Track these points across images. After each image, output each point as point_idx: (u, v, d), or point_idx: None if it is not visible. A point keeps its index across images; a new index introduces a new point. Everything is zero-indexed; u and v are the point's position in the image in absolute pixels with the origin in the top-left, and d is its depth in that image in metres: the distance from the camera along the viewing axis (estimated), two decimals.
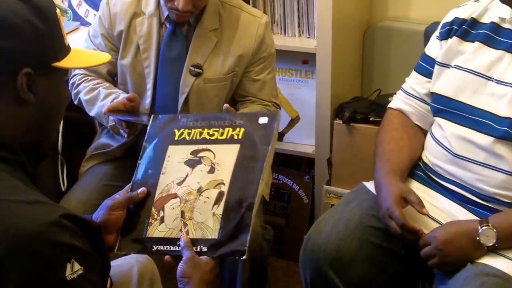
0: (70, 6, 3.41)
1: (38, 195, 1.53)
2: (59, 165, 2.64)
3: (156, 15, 2.58)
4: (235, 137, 1.92)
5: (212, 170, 1.88)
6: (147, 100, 2.62)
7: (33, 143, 1.65)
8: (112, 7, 2.62)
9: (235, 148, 1.89)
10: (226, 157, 1.89)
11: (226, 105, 2.18)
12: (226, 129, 1.94)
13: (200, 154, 1.92)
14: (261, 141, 1.88)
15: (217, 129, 1.95)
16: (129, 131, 2.44)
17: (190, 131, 1.98)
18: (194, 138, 1.96)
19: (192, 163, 1.92)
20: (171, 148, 1.97)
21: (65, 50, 1.68)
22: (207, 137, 1.94)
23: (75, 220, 1.51)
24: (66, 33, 1.72)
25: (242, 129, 1.92)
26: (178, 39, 2.58)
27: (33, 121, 1.62)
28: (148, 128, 2.05)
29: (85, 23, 3.36)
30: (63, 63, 1.66)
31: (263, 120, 1.92)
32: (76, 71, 2.68)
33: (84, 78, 2.66)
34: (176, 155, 1.95)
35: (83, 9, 3.36)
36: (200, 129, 1.97)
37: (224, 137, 1.93)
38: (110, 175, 2.64)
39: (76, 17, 3.39)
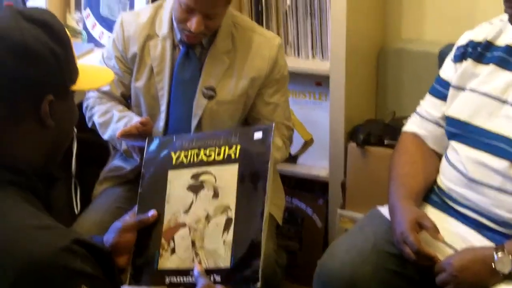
0: (85, 27, 3.41)
1: (49, 220, 1.53)
2: (72, 188, 2.63)
3: (170, 37, 2.58)
4: (232, 156, 1.89)
5: (216, 195, 1.86)
6: (161, 122, 2.61)
7: (45, 166, 1.66)
8: (126, 30, 2.62)
9: (234, 168, 1.87)
10: (227, 179, 1.86)
11: None
12: (223, 148, 1.90)
13: (201, 178, 1.90)
14: (258, 158, 1.85)
15: (213, 148, 1.92)
16: (141, 155, 2.43)
17: (186, 153, 1.95)
18: (192, 161, 1.93)
19: (194, 189, 1.90)
20: (171, 173, 1.94)
21: (77, 71, 1.69)
22: (205, 158, 1.92)
23: (86, 246, 1.51)
24: (80, 54, 1.73)
25: (238, 146, 1.89)
26: (191, 61, 2.58)
27: (49, 144, 1.65)
28: (145, 153, 2.03)
29: (99, 45, 3.36)
30: (78, 86, 1.67)
31: (258, 135, 1.89)
32: (90, 94, 2.68)
33: (98, 101, 2.66)
34: (177, 180, 1.93)
35: (97, 31, 3.37)
36: (197, 150, 1.94)
37: (221, 157, 1.90)
38: (123, 198, 2.63)
39: (91, 38, 3.39)
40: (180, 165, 1.94)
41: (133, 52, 2.61)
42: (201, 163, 1.91)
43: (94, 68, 1.90)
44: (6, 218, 1.48)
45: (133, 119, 2.50)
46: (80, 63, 1.72)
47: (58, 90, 1.61)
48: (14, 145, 1.58)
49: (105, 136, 2.61)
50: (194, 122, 2.59)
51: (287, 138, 2.73)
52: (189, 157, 1.94)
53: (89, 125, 2.68)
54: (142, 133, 2.37)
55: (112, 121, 2.57)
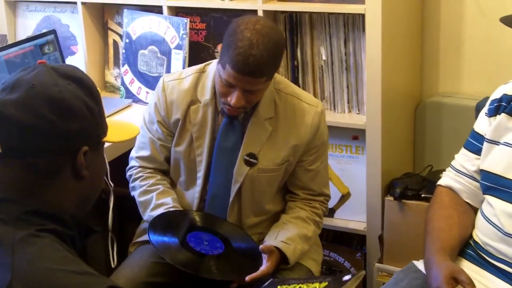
0: (123, 83, 3.47)
1: (86, 267, 1.57)
2: (109, 242, 2.65)
3: (212, 104, 2.58)
4: (317, 287, 2.10)
5: None
6: (198, 188, 2.63)
7: (80, 214, 1.72)
8: (168, 95, 2.62)
9: None
10: None
11: (262, 246, 2.47)
12: (316, 284, 2.11)
13: None
14: None
15: (309, 284, 2.13)
16: None
17: (287, 286, 2.19)
18: None
19: None
20: None
21: (107, 125, 1.75)
22: None
23: None
24: (119, 109, 1.79)
25: (325, 283, 2.09)
26: (234, 129, 2.58)
27: (85, 194, 1.71)
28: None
29: (137, 100, 3.41)
30: (108, 138, 1.74)
31: (346, 277, 2.07)
32: (133, 163, 2.72)
33: (141, 174, 2.69)
34: None
35: (135, 87, 3.42)
36: (296, 285, 2.16)
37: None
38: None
39: (129, 94, 3.45)
40: None
41: (175, 118, 2.61)
42: None
43: (121, 123, 1.96)
44: (48, 263, 1.52)
45: (170, 209, 2.58)
46: (109, 118, 1.78)
47: (92, 142, 1.67)
48: (54, 195, 1.64)
49: (143, 216, 2.67)
50: (234, 189, 2.60)
51: (322, 215, 2.74)
52: None
53: (132, 193, 2.72)
54: None
55: (150, 206, 2.62)
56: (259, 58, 2.33)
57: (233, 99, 2.41)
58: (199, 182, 2.63)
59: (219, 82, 2.44)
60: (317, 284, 2.10)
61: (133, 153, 2.75)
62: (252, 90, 2.43)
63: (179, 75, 2.66)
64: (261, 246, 2.50)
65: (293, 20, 3.13)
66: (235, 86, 2.40)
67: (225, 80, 2.40)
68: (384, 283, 2.92)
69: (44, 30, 3.39)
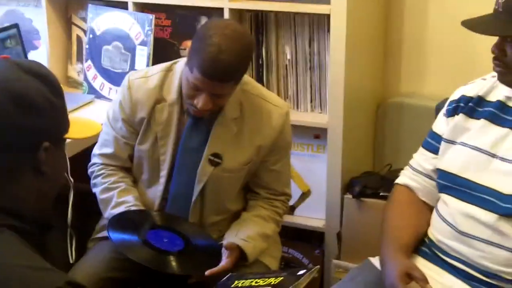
0: (86, 79, 3.46)
1: (44, 262, 1.57)
2: (68, 237, 2.65)
3: (178, 104, 2.57)
4: (273, 282, 2.14)
5: None
6: (160, 187, 2.64)
7: (41, 212, 1.71)
8: (134, 93, 2.61)
9: None
10: None
11: (226, 244, 2.49)
12: (272, 279, 2.16)
13: None
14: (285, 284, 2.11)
15: (266, 279, 2.18)
16: None
17: (244, 281, 2.22)
18: (243, 285, 2.21)
19: None
20: None
21: (69, 121, 1.75)
22: (253, 284, 2.17)
23: None
24: (81, 105, 1.80)
25: (281, 278, 2.15)
26: (199, 129, 2.58)
27: (45, 190, 1.71)
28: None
29: (100, 96, 3.40)
30: (69, 135, 1.74)
31: (301, 272, 2.14)
32: (95, 160, 2.72)
33: (103, 172, 2.69)
34: None
35: (98, 82, 3.41)
36: (252, 280, 2.21)
37: (264, 283, 2.15)
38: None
39: (92, 90, 3.43)
40: None
41: (140, 116, 2.60)
42: (247, 287, 2.18)
43: (83, 120, 1.96)
44: (5, 258, 1.52)
45: (131, 208, 2.58)
46: (76, 115, 1.78)
47: (53, 138, 1.67)
48: (13, 191, 1.64)
49: (104, 214, 2.67)
50: (197, 188, 2.60)
51: (282, 214, 2.76)
52: (242, 284, 2.21)
53: (93, 190, 2.71)
54: None
55: (110, 204, 2.62)
56: (227, 64, 2.34)
57: (200, 102, 2.41)
58: (162, 181, 2.64)
59: (187, 84, 2.44)
60: (272, 279, 2.13)
61: (95, 150, 2.74)
62: (219, 94, 2.44)
63: (145, 73, 2.65)
64: (224, 243, 2.51)
65: (259, 19, 3.14)
66: (203, 89, 2.40)
67: (192, 83, 2.40)
68: (340, 279, 2.95)
69: (6, 24, 3.36)
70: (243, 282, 2.23)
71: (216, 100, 2.45)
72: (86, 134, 1.89)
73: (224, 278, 2.33)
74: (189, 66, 2.41)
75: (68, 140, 1.78)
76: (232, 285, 2.24)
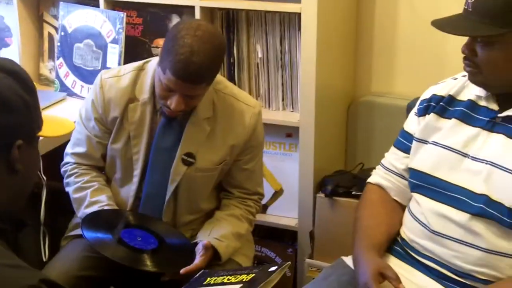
0: (58, 76, 3.44)
1: (17, 260, 1.56)
2: (41, 235, 2.64)
3: (150, 103, 2.57)
4: (244, 279, 2.16)
5: None
6: (133, 186, 2.64)
7: (13, 209, 1.71)
8: (106, 92, 2.60)
9: (238, 286, 2.14)
10: None
11: (206, 243, 2.50)
12: (244, 276, 2.17)
13: None
14: (255, 281, 2.12)
15: (238, 276, 2.20)
16: None
17: (217, 278, 2.25)
18: (215, 282, 2.23)
19: None
20: None
21: (42, 119, 1.74)
22: (226, 281, 2.19)
23: (53, 286, 1.55)
24: (53, 103, 1.78)
25: (252, 275, 2.17)
26: (172, 128, 2.58)
27: (18, 188, 1.69)
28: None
29: (72, 94, 3.39)
30: (42, 133, 1.73)
31: (272, 268, 2.16)
32: (68, 159, 2.70)
33: (76, 171, 2.68)
34: None
35: (70, 80, 3.40)
36: (224, 277, 2.24)
37: (237, 280, 2.16)
38: (90, 246, 2.63)
39: (63, 87, 3.42)
40: (207, 285, 2.24)
41: (113, 115, 2.60)
42: (219, 284, 2.19)
43: (56, 118, 1.96)
44: None
45: (105, 208, 2.58)
46: (48, 113, 1.77)
47: (27, 136, 1.66)
48: None
49: (77, 213, 2.65)
50: (171, 188, 2.60)
51: (255, 213, 2.78)
52: (214, 280, 2.24)
53: (66, 189, 2.70)
54: None
55: (84, 203, 2.61)
56: (199, 66, 2.34)
57: (173, 103, 2.41)
58: (135, 180, 2.63)
59: (159, 85, 2.44)
60: (244, 276, 2.14)
61: (68, 149, 2.73)
62: (192, 95, 2.44)
63: (118, 72, 2.65)
64: (203, 242, 2.51)
65: (230, 17, 3.14)
66: (175, 90, 2.40)
67: (165, 85, 2.40)
68: (313, 278, 2.96)
69: None
70: (215, 279, 2.23)
71: (189, 101, 2.45)
72: (59, 132, 1.89)
73: (197, 275, 2.34)
74: (161, 67, 2.40)
75: (40, 138, 1.78)
76: (205, 282, 2.25)
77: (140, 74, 2.61)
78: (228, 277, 2.22)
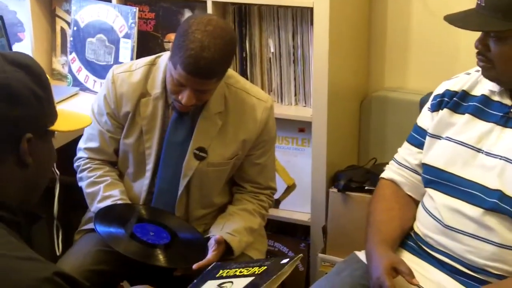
0: (70, 71, 3.45)
1: (32, 253, 1.56)
2: (54, 229, 2.65)
3: (162, 98, 2.57)
4: (256, 271, 2.13)
5: None
6: (146, 181, 2.64)
7: (28, 203, 1.71)
8: (118, 87, 2.60)
9: (249, 279, 2.10)
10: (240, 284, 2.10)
11: (218, 237, 2.49)
12: (256, 268, 2.15)
13: (223, 286, 2.15)
14: (268, 274, 2.09)
15: (250, 268, 2.18)
16: None
17: (229, 270, 2.23)
18: (227, 275, 2.20)
19: None
20: (208, 283, 2.20)
21: (56, 114, 1.74)
22: (238, 273, 2.17)
23: (67, 279, 1.55)
24: (66, 97, 1.77)
25: (264, 267, 2.13)
26: (184, 123, 2.58)
27: (31, 182, 1.69)
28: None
29: (85, 89, 3.40)
30: (57, 127, 1.72)
31: (285, 260, 2.13)
32: (81, 154, 2.71)
33: (89, 166, 2.68)
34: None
35: (83, 75, 3.41)
36: (237, 269, 2.21)
37: (249, 272, 2.14)
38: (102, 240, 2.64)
39: (76, 82, 3.43)
40: (219, 277, 2.22)
41: (125, 110, 2.60)
42: (232, 277, 2.18)
43: (73, 113, 1.95)
44: None
45: (116, 202, 2.58)
46: (61, 107, 1.76)
47: (37, 129, 1.65)
48: None
49: (90, 207, 2.66)
50: (183, 182, 2.60)
51: (267, 208, 2.77)
52: (227, 273, 2.22)
53: (79, 184, 2.71)
54: None
55: (97, 198, 2.62)
56: (210, 61, 2.34)
57: (184, 98, 2.41)
58: (148, 175, 2.63)
59: (171, 80, 2.44)
60: (256, 268, 2.13)
61: (81, 144, 2.74)
62: (203, 90, 2.44)
63: (129, 67, 2.65)
64: (216, 237, 2.52)
65: (242, 12, 3.14)
66: (186, 85, 2.40)
67: (176, 80, 2.40)
68: (326, 273, 2.96)
69: None
70: (227, 272, 2.23)
71: (200, 96, 2.45)
72: (75, 127, 1.88)
73: (209, 268, 2.34)
74: (172, 62, 2.40)
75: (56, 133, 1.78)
76: (217, 275, 2.25)
77: (152, 69, 2.61)
78: (240, 269, 2.22)
